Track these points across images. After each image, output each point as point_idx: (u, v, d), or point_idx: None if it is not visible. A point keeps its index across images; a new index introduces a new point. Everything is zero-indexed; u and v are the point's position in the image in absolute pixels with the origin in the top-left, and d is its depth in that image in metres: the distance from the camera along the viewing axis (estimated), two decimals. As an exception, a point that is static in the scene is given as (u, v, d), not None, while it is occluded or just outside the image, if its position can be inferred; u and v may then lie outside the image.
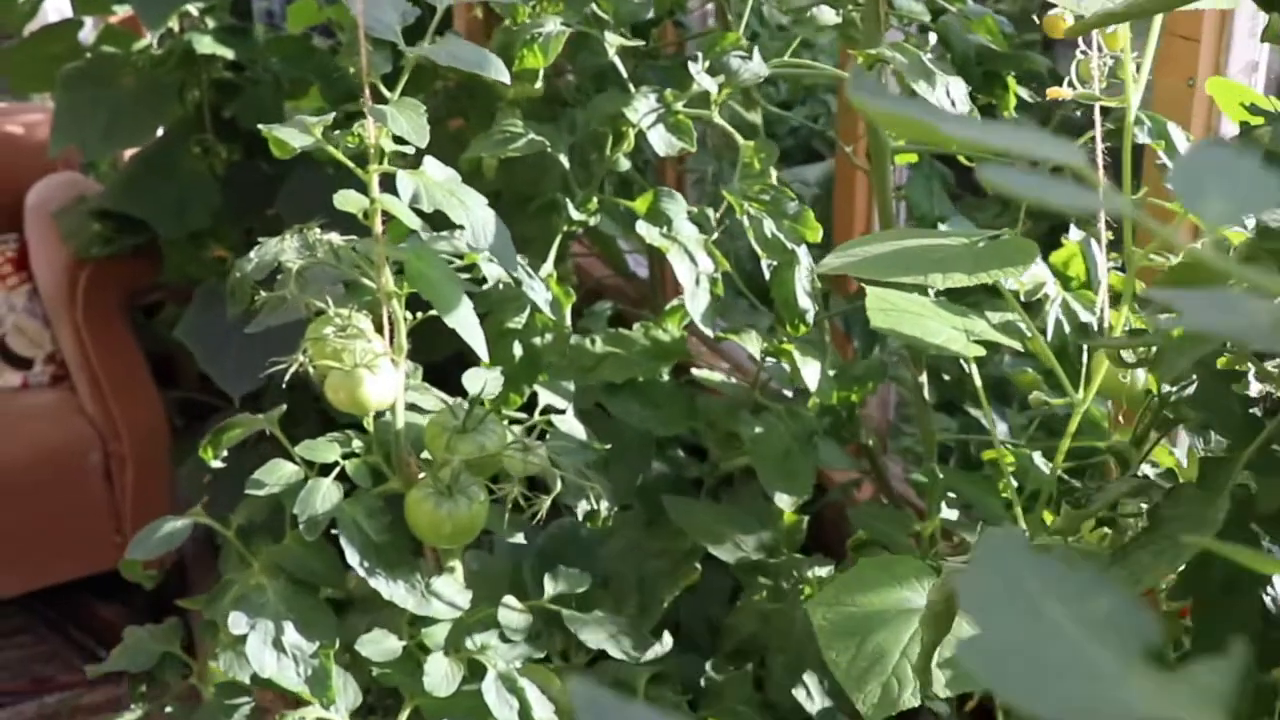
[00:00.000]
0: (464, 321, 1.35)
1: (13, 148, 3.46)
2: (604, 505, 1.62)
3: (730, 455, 2.06)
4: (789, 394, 2.08)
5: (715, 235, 1.76)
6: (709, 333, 1.76)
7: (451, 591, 1.53)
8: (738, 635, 1.83)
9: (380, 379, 1.41)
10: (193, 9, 2.70)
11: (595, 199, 1.80)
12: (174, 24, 2.75)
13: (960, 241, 1.44)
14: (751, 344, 2.00)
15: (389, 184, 1.38)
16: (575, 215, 1.79)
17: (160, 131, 2.76)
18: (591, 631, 1.58)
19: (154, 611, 3.25)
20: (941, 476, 1.79)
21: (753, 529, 1.92)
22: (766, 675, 1.81)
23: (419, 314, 1.49)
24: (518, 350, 1.79)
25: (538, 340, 1.80)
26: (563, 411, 1.72)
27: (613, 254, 2.89)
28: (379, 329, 1.47)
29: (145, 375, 3.02)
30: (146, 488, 3.05)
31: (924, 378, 1.90)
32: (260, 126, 1.36)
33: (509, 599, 1.58)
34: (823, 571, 1.82)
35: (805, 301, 1.63)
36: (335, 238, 1.42)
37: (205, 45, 2.64)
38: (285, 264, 1.42)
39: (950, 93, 1.57)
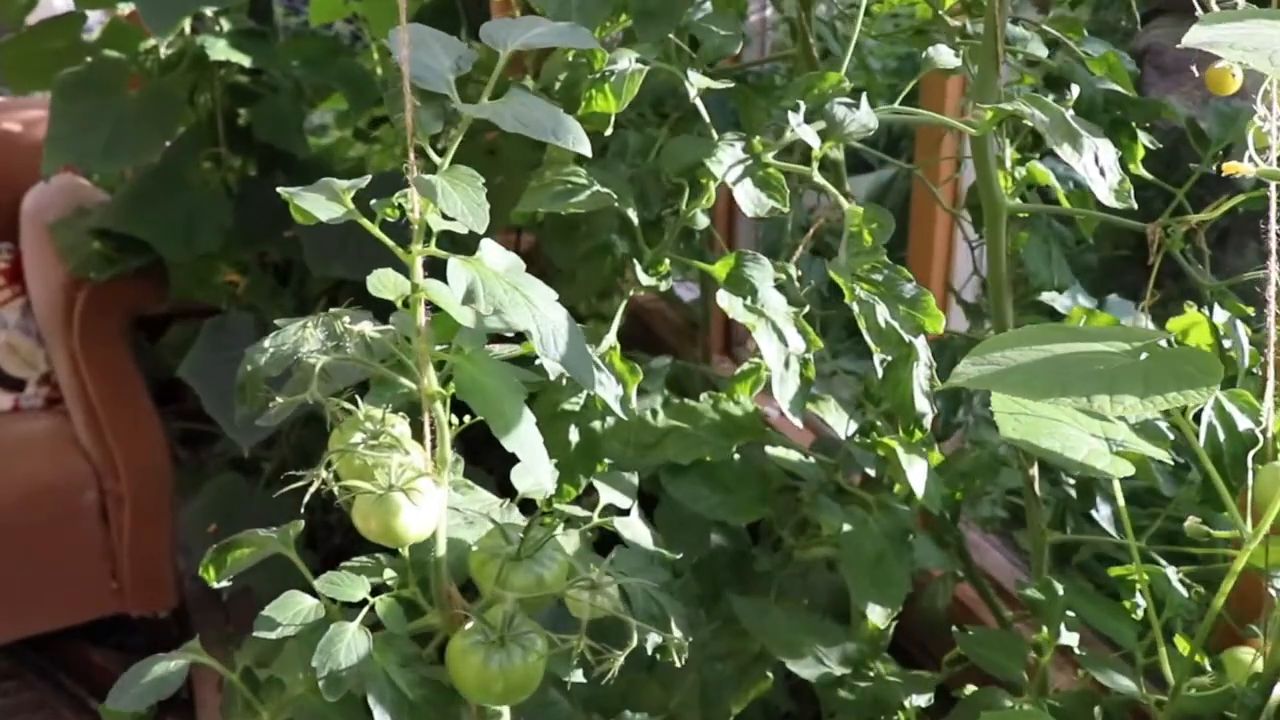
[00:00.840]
0: (526, 444, 1.10)
1: (9, 146, 3.20)
2: (679, 636, 1.36)
3: (807, 545, 1.80)
4: (870, 471, 1.82)
5: (806, 309, 1.50)
6: (797, 423, 1.50)
7: (497, 746, 1.28)
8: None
9: (420, 507, 1.15)
10: (206, 10, 2.44)
11: (666, 260, 1.54)
12: (185, 25, 2.49)
13: (1121, 348, 1.18)
14: (836, 418, 1.75)
15: (435, 267, 1.13)
16: (645, 280, 1.52)
17: (167, 145, 2.50)
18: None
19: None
20: (1061, 592, 1.53)
21: (835, 639, 1.66)
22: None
23: (465, 418, 1.24)
24: (573, 436, 1.53)
25: (597, 424, 1.55)
26: (626, 511, 1.46)
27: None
28: (415, 434, 1.22)
29: (147, 407, 2.77)
30: (145, 530, 2.80)
31: (1035, 470, 1.64)
32: (281, 193, 1.10)
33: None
34: (921, 700, 1.56)
35: (923, 404, 1.37)
36: (368, 328, 1.17)
37: (219, 50, 2.38)
38: (305, 359, 1.16)
39: (1100, 159, 1.31)
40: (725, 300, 1.47)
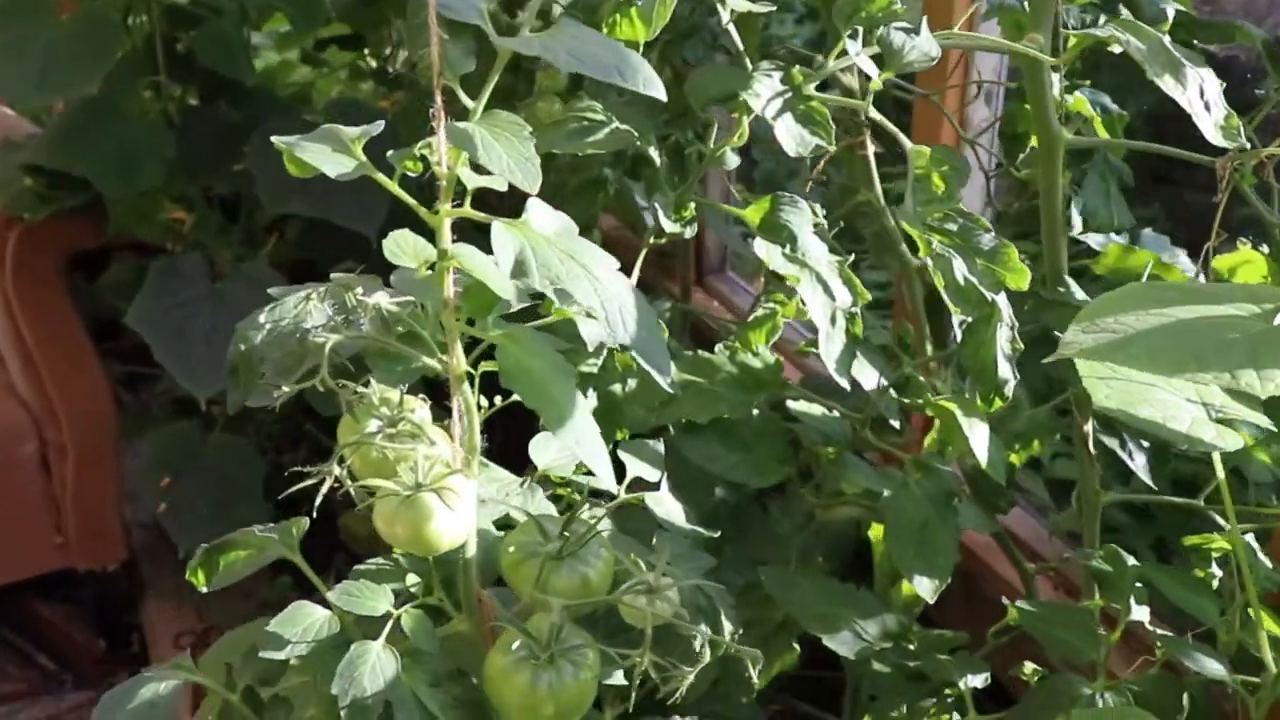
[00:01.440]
0: (583, 437, 0.94)
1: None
2: (729, 630, 1.22)
3: (830, 504, 1.66)
4: (895, 423, 1.67)
5: (851, 258, 1.35)
6: (844, 384, 1.35)
7: (535, 766, 1.13)
8: (869, 761, 1.44)
9: (455, 509, 0.99)
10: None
11: (691, 204, 1.38)
12: (119, -60, 2.27)
13: (1251, 311, 1.04)
14: (860, 369, 1.59)
15: (463, 231, 0.97)
16: (669, 226, 1.36)
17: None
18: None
19: (101, 611, 2.83)
20: (1132, 564, 1.40)
21: (872, 610, 1.52)
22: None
23: (496, 399, 1.08)
24: (591, 400, 1.37)
25: (617, 388, 1.39)
26: (655, 485, 1.31)
27: (628, 209, 2.45)
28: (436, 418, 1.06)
29: (87, 351, 2.57)
30: (89, 479, 2.61)
31: (1089, 426, 1.50)
32: (277, 142, 0.92)
33: (609, 768, 1.18)
34: (977, 680, 1.43)
35: (1006, 369, 1.22)
36: (383, 299, 1.00)
37: (157, -33, 2.17)
38: (313, 339, 0.99)
39: (1205, 91, 1.15)
40: (763, 249, 1.31)
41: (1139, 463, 1.71)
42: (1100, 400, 1.16)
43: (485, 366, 1.03)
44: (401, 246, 0.99)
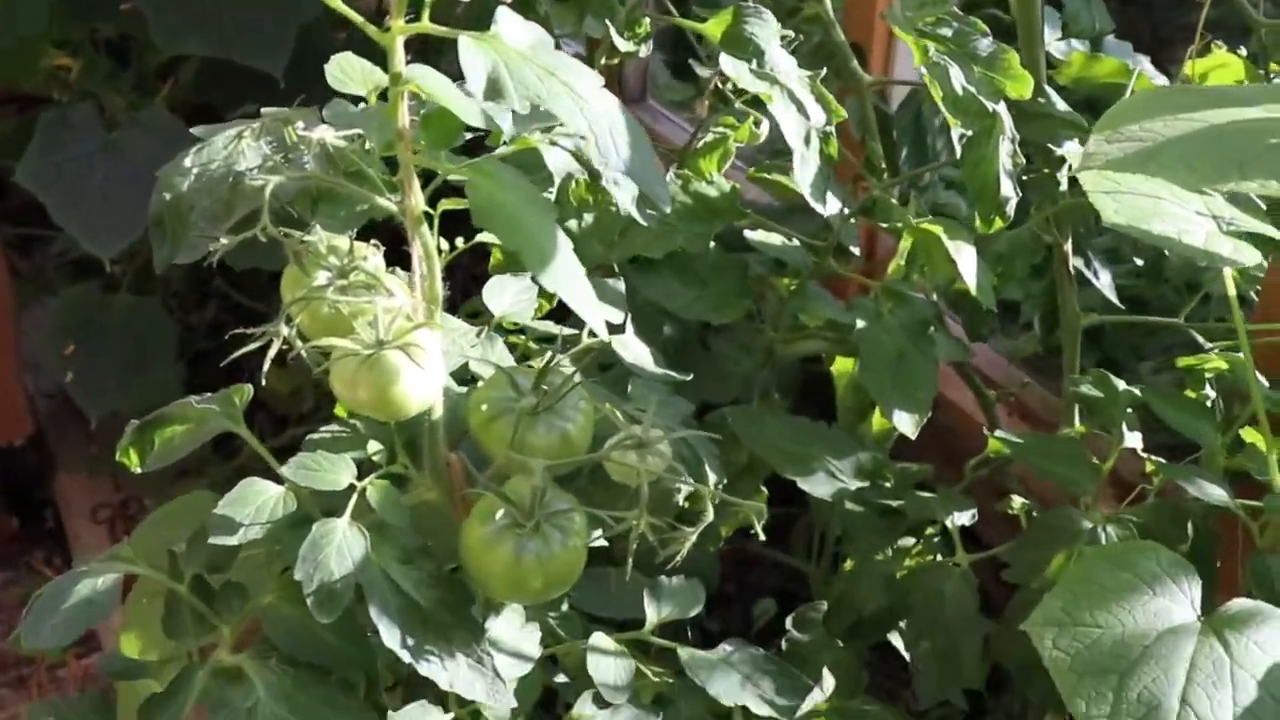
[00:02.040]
0: (566, 279, 0.83)
1: None
2: (713, 480, 1.13)
3: (790, 338, 1.56)
4: (855, 250, 1.57)
5: (823, 72, 1.23)
6: (821, 209, 1.25)
7: (515, 637, 1.04)
8: (850, 610, 1.36)
9: (423, 366, 0.88)
10: None
11: (645, 23, 1.26)
12: None
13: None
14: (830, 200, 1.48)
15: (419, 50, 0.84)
16: (621, 45, 1.24)
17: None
18: (722, 680, 1.10)
19: (10, 489, 2.69)
20: (1123, 388, 1.32)
21: (846, 448, 1.43)
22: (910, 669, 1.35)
23: (457, 241, 0.96)
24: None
25: (574, 223, 1.28)
26: (620, 328, 1.21)
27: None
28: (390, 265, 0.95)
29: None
30: (-15, 350, 2.45)
31: (1069, 245, 1.41)
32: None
33: (598, 637, 1.08)
34: (964, 517, 1.35)
35: (1008, 186, 1.12)
36: (328, 134, 0.87)
37: None
38: (250, 180, 0.87)
39: None
40: (730, 65, 1.19)
41: (1104, 280, 1.64)
42: (1109, 216, 1.07)
43: (446, 205, 0.91)
44: (347, 71, 0.87)
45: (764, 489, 1.54)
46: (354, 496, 0.92)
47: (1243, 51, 1.50)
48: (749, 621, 1.97)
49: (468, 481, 0.98)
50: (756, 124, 1.49)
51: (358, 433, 0.97)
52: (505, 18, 0.80)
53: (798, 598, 2.01)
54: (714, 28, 1.22)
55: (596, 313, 0.82)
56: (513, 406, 0.96)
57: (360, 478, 0.94)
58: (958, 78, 1.07)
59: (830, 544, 1.65)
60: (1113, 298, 1.64)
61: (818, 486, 1.38)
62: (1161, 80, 1.63)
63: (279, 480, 0.94)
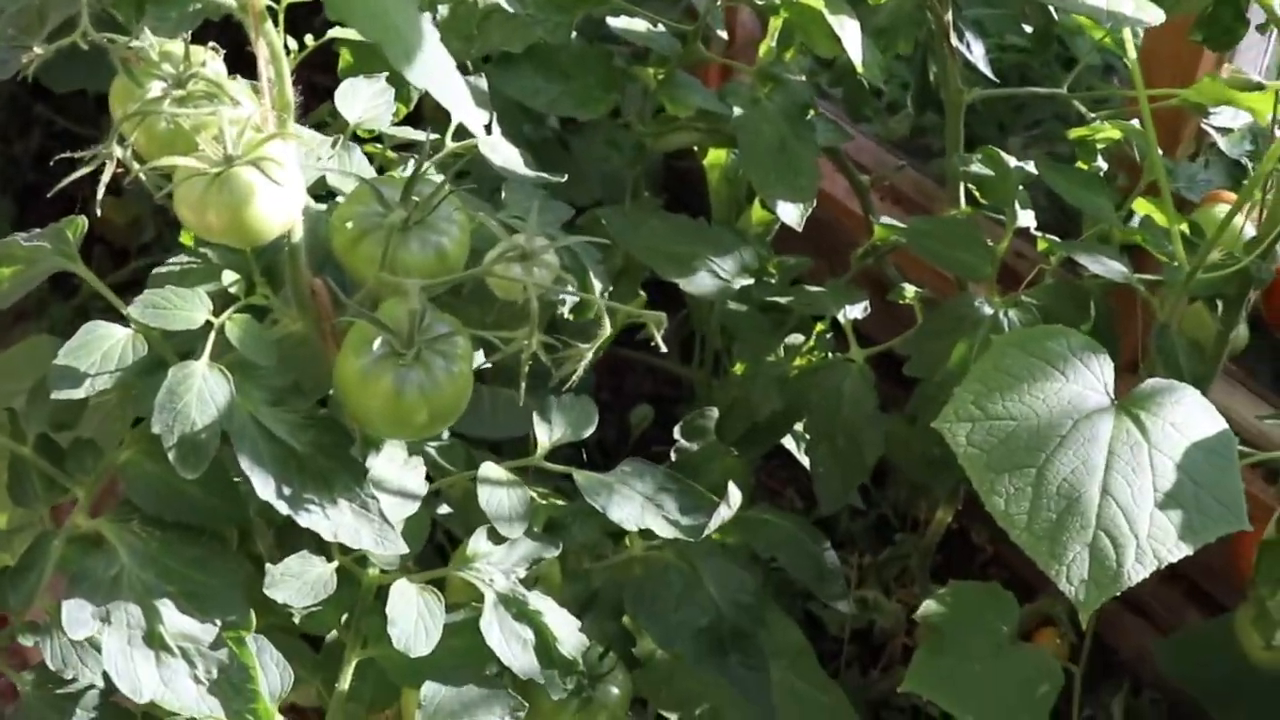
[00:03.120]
0: (436, 72, 0.72)
1: None
2: (599, 289, 1.04)
3: (661, 130, 1.47)
4: (722, 34, 1.48)
5: None
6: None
7: (398, 475, 0.95)
8: (744, 416, 1.30)
9: (280, 182, 0.78)
10: None
11: None
12: None
13: None
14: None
15: None
16: None
17: None
18: (623, 503, 1.03)
19: None
20: (1014, 164, 1.25)
21: (728, 244, 1.36)
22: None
23: (307, 39, 0.85)
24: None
25: (428, 15, 1.16)
26: (486, 129, 1.11)
27: None
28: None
29: None
30: None
31: (950, 16, 1.34)
32: None
33: (488, 468, 1.00)
34: (857, 310, 1.29)
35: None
36: (149, -80, 0.75)
37: None
38: (62, -20, 0.75)
39: None
40: None
41: (977, 53, 1.57)
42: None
43: (290, -1, 0.80)
44: None
45: (642, 292, 1.46)
46: (211, 335, 0.82)
47: None
48: (626, 430, 1.92)
49: (336, 309, 0.88)
50: (614, -99, 1.38)
51: (209, 262, 0.87)
52: None
53: (675, 402, 1.96)
54: None
55: (472, 112, 0.72)
56: (380, 222, 0.87)
57: (216, 313, 0.84)
58: None
59: (711, 346, 1.58)
60: (987, 71, 1.57)
61: (701, 286, 1.31)
62: None
63: (125, 322, 0.83)
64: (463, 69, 1.21)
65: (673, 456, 1.40)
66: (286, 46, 0.82)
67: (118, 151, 0.76)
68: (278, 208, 0.77)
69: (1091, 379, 0.99)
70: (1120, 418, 0.97)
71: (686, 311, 1.65)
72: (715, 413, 1.39)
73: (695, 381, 1.66)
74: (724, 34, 1.47)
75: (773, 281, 1.36)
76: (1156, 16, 1.00)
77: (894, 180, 1.77)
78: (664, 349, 0.86)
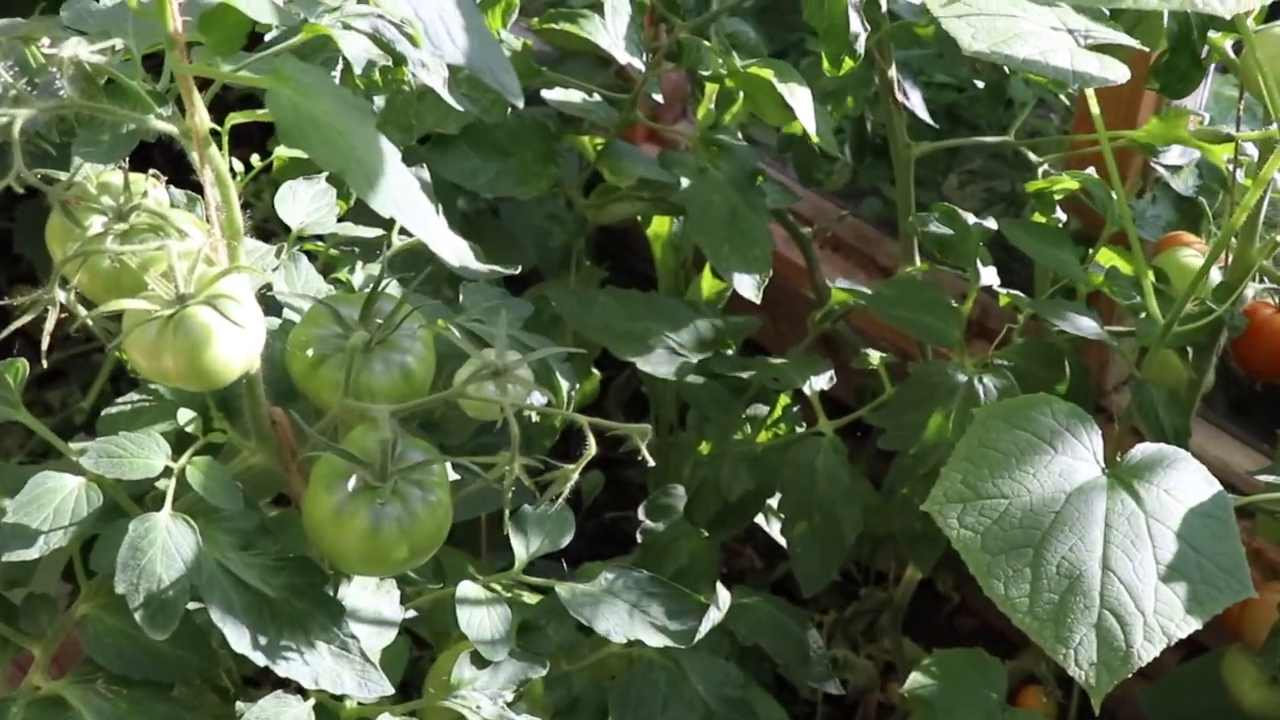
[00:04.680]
0: (403, 200, 0.68)
1: None
2: (565, 388, 1.00)
3: (602, 202, 1.42)
4: (657, 96, 1.44)
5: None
6: (636, 64, 1.11)
7: (373, 602, 0.90)
8: (714, 498, 1.25)
9: (241, 323, 0.72)
10: None
11: None
12: None
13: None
14: (613, 39, 1.33)
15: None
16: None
17: None
18: (609, 614, 0.98)
19: None
20: (973, 222, 1.22)
21: (682, 318, 1.32)
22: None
23: (253, 159, 0.80)
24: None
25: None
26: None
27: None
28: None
29: None
30: None
31: (894, 72, 1.31)
32: None
33: (465, 587, 0.95)
34: (821, 381, 1.25)
35: (856, 22, 1.00)
36: (82, 50, 0.70)
37: None
38: (-11, 117, 0.69)
39: None
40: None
41: (915, 100, 1.54)
42: (967, 44, 0.97)
43: (236, 118, 0.75)
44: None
45: (595, 371, 1.42)
46: (172, 481, 0.77)
47: None
48: (578, 497, 1.87)
49: (299, 439, 0.83)
50: (541, -31, 1.34)
51: (162, 399, 0.81)
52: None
53: (624, 465, 1.91)
54: None
55: (448, 243, 0.68)
56: (340, 345, 0.82)
57: (174, 454, 0.79)
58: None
59: (663, 409, 1.53)
60: (926, 117, 1.55)
61: (659, 366, 1.27)
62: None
63: (80, 470, 0.78)
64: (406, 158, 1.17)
65: (639, 537, 1.35)
66: (232, 169, 0.76)
67: (60, 296, 0.70)
68: (238, 349, 0.72)
69: (1081, 449, 0.96)
70: (1114, 488, 0.94)
71: (631, 370, 1.61)
72: (679, 490, 1.34)
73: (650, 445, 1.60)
74: (658, 97, 1.43)
75: (730, 353, 1.32)
76: (1122, 74, 0.97)
77: (836, 230, 1.73)
78: (650, 462, 0.81)
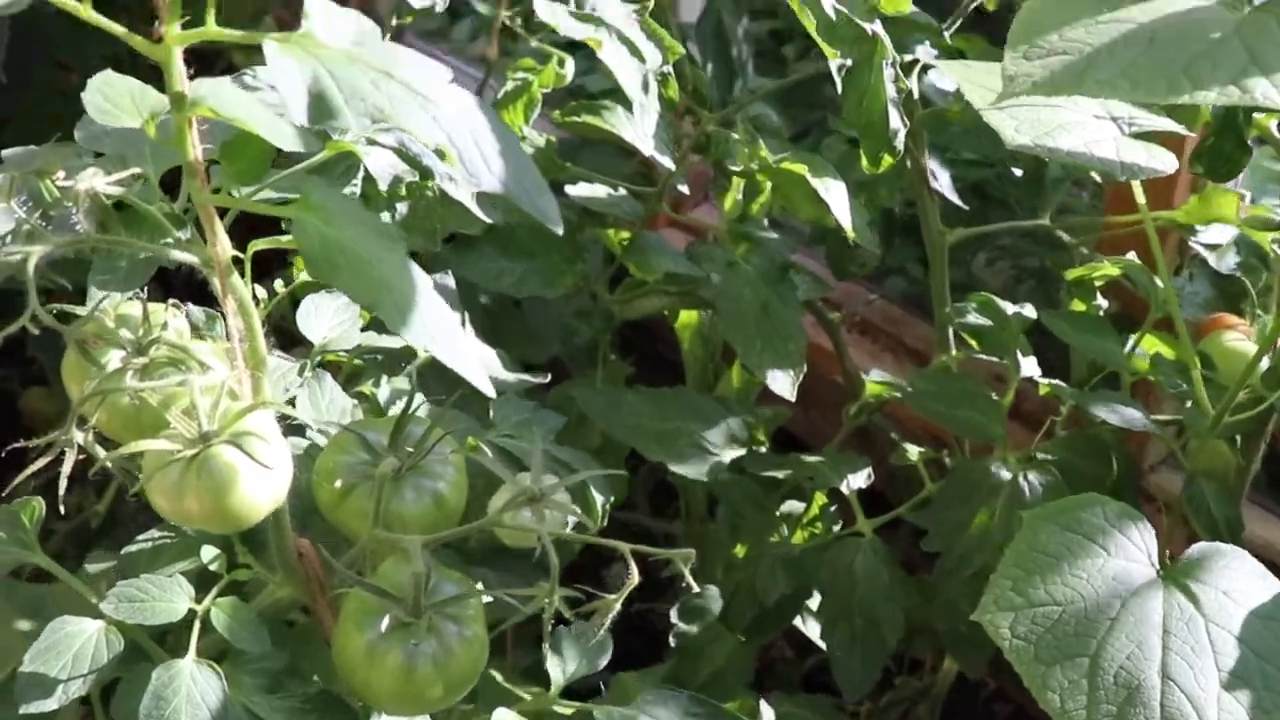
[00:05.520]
0: (437, 332, 0.65)
1: None
2: (600, 502, 0.97)
3: (629, 296, 1.39)
4: (682, 188, 1.41)
5: (650, 5, 1.06)
6: (667, 163, 1.09)
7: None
8: (750, 603, 1.21)
9: (265, 461, 0.69)
10: None
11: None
12: None
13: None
14: (641, 131, 1.30)
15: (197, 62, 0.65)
16: (415, 1, 1.05)
17: None
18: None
19: None
20: (1013, 311, 1.19)
21: (713, 415, 1.28)
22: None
23: (276, 286, 0.78)
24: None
25: (386, 216, 1.09)
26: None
27: None
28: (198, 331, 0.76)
29: None
30: None
31: (925, 159, 1.28)
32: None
33: (501, 714, 0.91)
34: (859, 479, 1.21)
35: (896, 119, 0.97)
36: (99, 182, 0.67)
37: None
38: (4, 256, 0.67)
39: None
40: (546, 9, 1.01)
41: (943, 181, 1.51)
42: (1011, 138, 0.94)
43: (257, 245, 0.73)
44: (111, 98, 0.67)
45: (626, 473, 1.38)
46: (196, 623, 0.73)
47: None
48: (602, 588, 1.82)
49: (327, 573, 0.80)
50: (561, 63, 1.31)
51: (185, 536, 0.78)
52: (315, 9, 0.61)
53: (648, 556, 1.87)
54: (514, -35, 1.03)
55: (482, 375, 0.64)
56: (369, 472, 0.78)
57: (197, 593, 0.76)
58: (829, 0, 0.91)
59: (696, 502, 1.50)
60: (956, 199, 1.52)
61: (692, 467, 1.23)
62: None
63: (99, 614, 0.75)
64: (427, 263, 1.14)
65: (671, 640, 1.31)
66: (255, 296, 0.73)
67: (78, 437, 0.67)
68: (264, 490, 0.69)
69: (1134, 550, 0.92)
70: (1170, 591, 0.90)
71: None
72: (713, 591, 1.31)
73: (679, 537, 1.57)
74: (684, 188, 1.40)
75: (764, 449, 1.29)
76: (1170, 164, 0.94)
77: (865, 314, 1.71)
78: (695, 588, 0.78)
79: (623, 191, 1.33)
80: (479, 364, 0.64)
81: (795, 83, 1.39)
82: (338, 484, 0.77)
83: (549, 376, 1.06)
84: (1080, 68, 0.77)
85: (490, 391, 0.65)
